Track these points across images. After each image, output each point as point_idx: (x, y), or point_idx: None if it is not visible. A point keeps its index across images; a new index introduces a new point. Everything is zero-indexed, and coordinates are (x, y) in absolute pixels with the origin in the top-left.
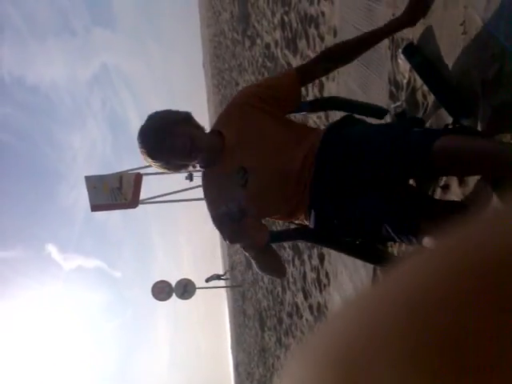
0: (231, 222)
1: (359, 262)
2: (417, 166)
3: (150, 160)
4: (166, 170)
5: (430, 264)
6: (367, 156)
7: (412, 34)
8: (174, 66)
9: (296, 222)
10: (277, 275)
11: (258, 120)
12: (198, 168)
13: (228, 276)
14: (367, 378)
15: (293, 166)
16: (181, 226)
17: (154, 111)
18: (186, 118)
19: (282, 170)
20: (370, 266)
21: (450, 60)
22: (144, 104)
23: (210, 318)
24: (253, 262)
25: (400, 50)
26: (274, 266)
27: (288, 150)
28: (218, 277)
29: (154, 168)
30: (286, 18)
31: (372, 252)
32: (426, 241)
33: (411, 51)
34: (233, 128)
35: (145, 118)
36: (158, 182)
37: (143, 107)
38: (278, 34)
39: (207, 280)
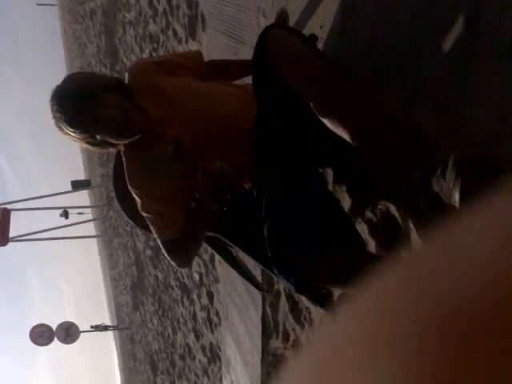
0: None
1: (247, 299)
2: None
3: (67, 128)
4: (86, 145)
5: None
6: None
7: None
8: (35, 97)
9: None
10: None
11: (174, 80)
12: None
13: (116, 327)
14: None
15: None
16: (59, 266)
17: (76, 71)
18: (118, 85)
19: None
20: (259, 303)
21: None
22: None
23: (98, 364)
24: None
25: None
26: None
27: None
28: (105, 327)
29: (71, 140)
30: (154, 55)
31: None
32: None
33: None
34: (149, 99)
35: None
36: (28, 218)
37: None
38: None
39: (93, 327)
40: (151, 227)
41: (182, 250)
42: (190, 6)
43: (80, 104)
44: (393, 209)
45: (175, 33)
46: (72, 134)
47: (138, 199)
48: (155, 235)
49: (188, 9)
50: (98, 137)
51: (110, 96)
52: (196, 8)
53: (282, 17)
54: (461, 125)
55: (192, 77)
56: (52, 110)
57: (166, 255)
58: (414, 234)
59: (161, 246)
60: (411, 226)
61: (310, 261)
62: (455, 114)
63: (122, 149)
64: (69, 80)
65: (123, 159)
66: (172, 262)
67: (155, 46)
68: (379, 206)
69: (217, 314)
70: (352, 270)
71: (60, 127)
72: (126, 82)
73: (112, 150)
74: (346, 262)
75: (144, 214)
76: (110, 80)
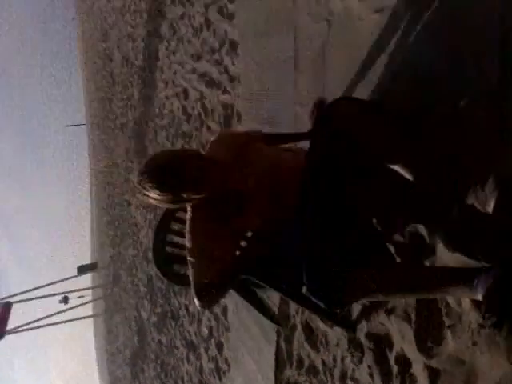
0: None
1: (260, 338)
2: None
3: (156, 194)
4: (168, 204)
5: None
6: None
7: None
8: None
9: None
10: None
11: (248, 148)
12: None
13: None
14: None
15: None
16: (49, 351)
17: (159, 152)
18: (197, 153)
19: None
20: (273, 340)
21: None
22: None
23: None
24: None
25: None
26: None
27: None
28: None
29: (155, 203)
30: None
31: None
32: None
33: None
34: (229, 163)
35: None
36: (27, 308)
37: (17, 242)
38: None
39: None
40: (191, 269)
41: (213, 292)
42: (226, 108)
43: (168, 173)
44: (421, 228)
45: (209, 128)
46: (159, 197)
47: (189, 244)
48: (192, 277)
49: (224, 110)
50: (184, 195)
51: (192, 162)
52: (232, 109)
53: (319, 104)
54: None
55: (259, 144)
56: (141, 183)
57: (193, 295)
58: (440, 246)
59: (192, 286)
60: (438, 239)
61: (345, 278)
62: None
63: (194, 202)
64: (155, 159)
65: (189, 209)
66: (197, 303)
67: (187, 140)
68: (408, 229)
69: (226, 361)
70: (383, 280)
71: (147, 195)
72: (207, 150)
73: (187, 205)
74: (376, 274)
75: (189, 258)
76: (190, 151)
